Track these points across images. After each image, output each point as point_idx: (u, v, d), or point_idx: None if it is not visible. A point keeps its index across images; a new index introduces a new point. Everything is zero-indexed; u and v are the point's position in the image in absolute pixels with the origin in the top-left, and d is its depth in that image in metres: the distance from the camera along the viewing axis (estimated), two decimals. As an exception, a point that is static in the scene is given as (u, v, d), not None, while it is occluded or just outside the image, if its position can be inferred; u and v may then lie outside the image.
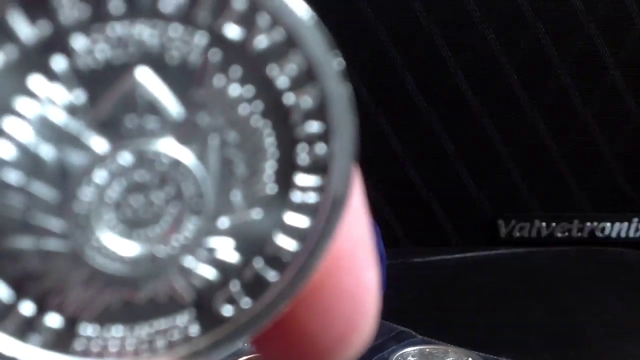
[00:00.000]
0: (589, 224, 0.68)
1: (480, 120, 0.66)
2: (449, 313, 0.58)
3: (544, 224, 0.68)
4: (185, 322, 0.17)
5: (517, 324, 0.56)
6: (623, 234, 0.68)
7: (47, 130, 0.14)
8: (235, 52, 0.15)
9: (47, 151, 0.14)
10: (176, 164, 0.15)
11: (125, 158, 0.15)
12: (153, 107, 0.15)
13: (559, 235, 0.68)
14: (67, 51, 0.14)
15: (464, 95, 0.66)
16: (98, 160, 0.15)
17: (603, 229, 0.68)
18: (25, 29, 0.14)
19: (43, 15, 0.14)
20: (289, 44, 0.15)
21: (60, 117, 0.14)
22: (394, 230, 0.68)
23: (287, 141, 0.16)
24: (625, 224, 0.68)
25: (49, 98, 0.14)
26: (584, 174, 0.68)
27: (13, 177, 0.15)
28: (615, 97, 0.66)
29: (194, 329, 0.17)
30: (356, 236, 0.17)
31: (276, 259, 0.17)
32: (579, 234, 0.68)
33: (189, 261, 0.16)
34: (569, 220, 0.68)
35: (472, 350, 0.48)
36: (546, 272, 0.65)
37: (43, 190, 0.15)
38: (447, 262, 0.66)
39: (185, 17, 0.15)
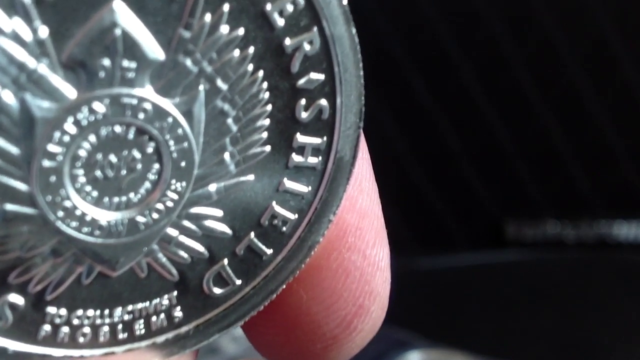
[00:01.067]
0: (601, 226, 0.67)
1: (488, 118, 0.66)
2: (455, 318, 0.57)
3: (553, 225, 0.67)
4: (168, 304, 0.15)
5: (527, 331, 0.55)
6: (637, 238, 0.67)
7: (7, 70, 0.12)
8: None
9: (8, 96, 0.12)
10: (158, 115, 0.13)
11: (99, 107, 0.13)
12: (131, 50, 0.13)
13: (569, 238, 0.67)
14: None
15: (471, 92, 0.65)
16: (67, 109, 0.13)
17: (616, 232, 0.67)
18: None
19: None
20: None
21: (21, 56, 0.12)
22: (397, 231, 0.67)
23: (285, 93, 0.14)
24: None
25: (8, 32, 0.12)
26: (596, 174, 0.67)
27: None
28: (629, 95, 0.65)
29: (178, 312, 0.15)
30: (363, 207, 0.16)
31: (272, 232, 0.15)
32: (591, 237, 0.67)
33: (173, 232, 0.14)
34: (580, 222, 0.67)
35: (479, 357, 0.48)
36: (556, 277, 0.64)
37: (4, 141, 0.13)
38: (454, 267, 0.65)
39: None
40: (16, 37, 0.12)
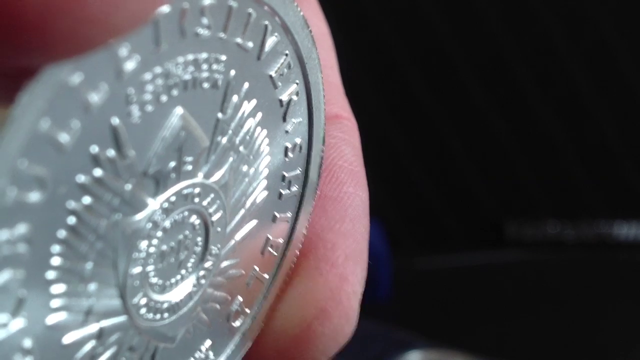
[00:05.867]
0: (601, 226, 0.67)
1: (488, 118, 0.65)
2: (455, 318, 0.57)
3: (553, 225, 0.67)
4: (205, 352, 0.17)
5: (527, 331, 0.55)
6: (637, 238, 0.67)
7: (102, 199, 0.13)
8: (245, 67, 0.15)
9: (104, 224, 0.13)
10: (205, 194, 0.15)
11: (168, 205, 0.14)
12: (190, 146, 0.14)
13: (569, 238, 0.67)
14: (124, 112, 0.13)
15: (471, 91, 0.65)
16: (149, 217, 0.14)
17: (616, 232, 0.67)
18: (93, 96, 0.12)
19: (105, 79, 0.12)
20: (284, 45, 0.15)
21: (113, 183, 0.13)
22: (396, 230, 0.67)
23: (279, 142, 0.16)
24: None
25: (104, 163, 0.13)
26: (596, 174, 0.67)
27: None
28: (630, 94, 0.65)
29: (212, 355, 0.17)
30: (343, 229, 0.17)
31: (268, 259, 0.17)
32: (591, 237, 0.67)
33: (210, 290, 0.16)
34: (580, 222, 0.67)
35: (479, 357, 0.48)
36: (556, 277, 0.64)
37: (102, 267, 0.13)
38: (454, 267, 0.65)
39: (214, 39, 0.14)
40: (111, 167, 0.13)
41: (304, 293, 0.17)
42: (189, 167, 0.14)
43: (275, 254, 0.17)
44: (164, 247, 0.14)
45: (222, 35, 0.14)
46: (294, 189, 0.17)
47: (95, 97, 0.12)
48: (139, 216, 0.14)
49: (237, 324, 0.17)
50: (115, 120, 0.12)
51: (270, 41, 0.15)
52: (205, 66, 0.14)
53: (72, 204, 0.12)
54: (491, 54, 0.64)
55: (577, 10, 0.63)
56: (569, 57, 0.64)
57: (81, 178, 0.12)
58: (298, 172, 0.17)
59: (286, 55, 0.15)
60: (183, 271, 0.15)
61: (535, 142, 0.66)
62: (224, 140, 0.15)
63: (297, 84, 0.16)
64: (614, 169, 0.67)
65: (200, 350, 0.16)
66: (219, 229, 0.16)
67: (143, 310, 0.14)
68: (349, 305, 0.17)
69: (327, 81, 0.18)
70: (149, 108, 0.13)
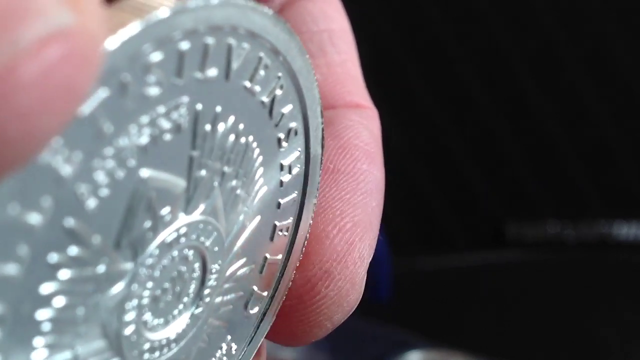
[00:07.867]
0: (601, 226, 0.67)
1: (488, 118, 0.65)
2: (455, 318, 0.57)
3: (553, 225, 0.67)
4: (226, 347, 0.17)
5: (527, 331, 0.55)
6: (637, 238, 0.67)
7: (78, 290, 0.12)
8: (213, 93, 0.14)
9: (81, 310, 0.12)
10: (193, 229, 0.15)
11: (152, 260, 0.14)
12: (164, 199, 0.13)
13: (570, 238, 0.67)
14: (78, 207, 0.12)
15: (471, 91, 0.65)
16: (131, 281, 0.13)
17: (616, 232, 0.67)
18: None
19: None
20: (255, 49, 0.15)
21: (87, 272, 0.12)
22: (396, 230, 0.67)
23: (269, 138, 0.16)
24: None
25: (73, 258, 0.12)
26: (596, 174, 0.67)
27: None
28: (630, 94, 0.65)
29: (234, 346, 0.17)
30: (355, 200, 0.17)
31: (279, 242, 0.17)
32: (591, 237, 0.67)
33: (219, 299, 0.16)
34: (580, 222, 0.67)
35: (479, 357, 0.48)
36: (556, 277, 0.64)
37: (92, 345, 0.13)
38: (454, 267, 0.65)
39: (168, 89, 0.13)
40: (77, 262, 0.12)
41: (310, 255, 0.17)
42: (168, 218, 0.14)
43: (286, 234, 0.17)
44: (157, 292, 0.14)
45: (177, 81, 0.13)
46: (296, 170, 0.16)
47: (37, 218, 0.11)
48: (119, 286, 0.13)
49: (255, 310, 0.17)
50: (69, 222, 0.11)
51: (237, 55, 0.14)
52: (163, 120, 0.13)
53: (42, 314, 0.12)
54: (492, 55, 0.64)
55: (577, 10, 0.63)
56: (569, 57, 0.64)
57: (46, 287, 0.11)
58: (297, 153, 0.16)
59: (260, 58, 0.14)
60: (185, 299, 0.15)
61: (535, 143, 0.66)
62: (203, 172, 0.14)
63: (279, 77, 0.15)
64: (614, 169, 0.67)
65: (221, 348, 0.16)
66: (216, 249, 0.15)
67: (146, 356, 0.14)
68: (354, 270, 0.17)
69: (349, 74, 0.18)
70: (105, 192, 0.12)
